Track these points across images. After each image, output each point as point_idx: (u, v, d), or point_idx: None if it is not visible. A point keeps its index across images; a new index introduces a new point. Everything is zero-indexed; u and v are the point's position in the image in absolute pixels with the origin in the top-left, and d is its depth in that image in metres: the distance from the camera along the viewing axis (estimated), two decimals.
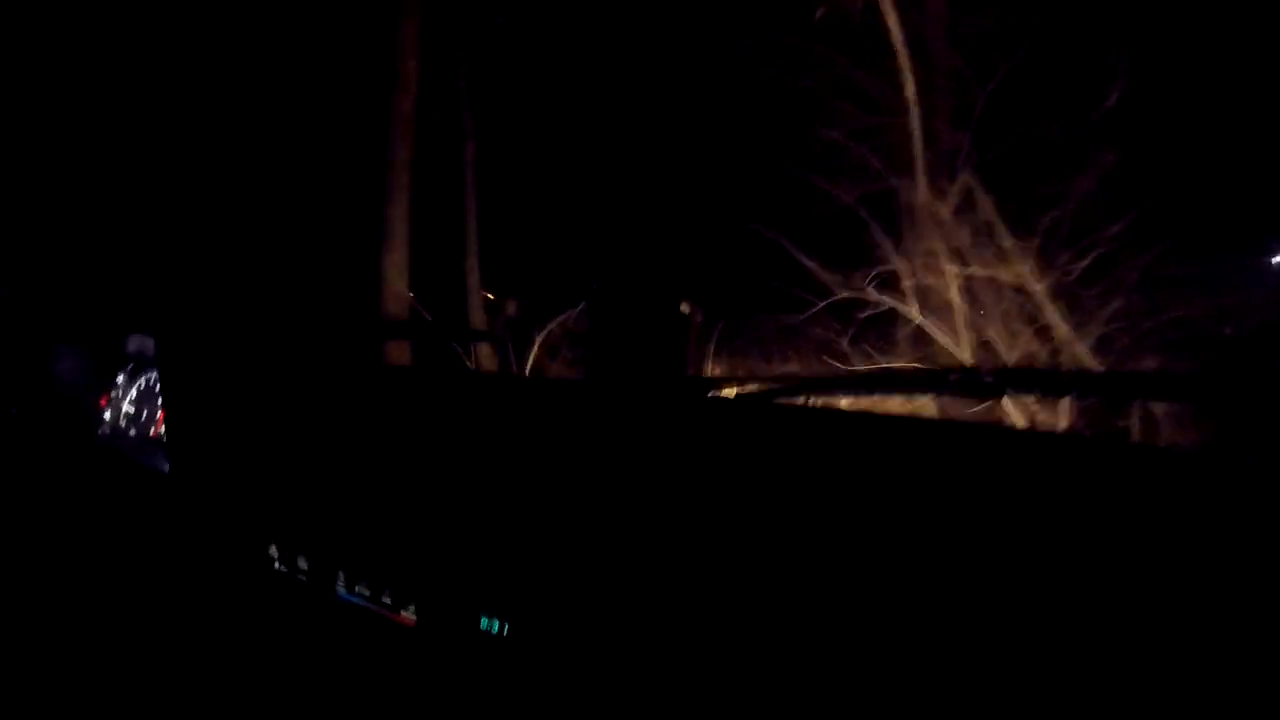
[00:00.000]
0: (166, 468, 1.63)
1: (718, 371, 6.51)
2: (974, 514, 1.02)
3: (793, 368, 5.96)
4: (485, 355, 6.27)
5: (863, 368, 5.28)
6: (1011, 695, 0.93)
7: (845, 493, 1.10)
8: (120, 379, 2.13)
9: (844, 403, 3.40)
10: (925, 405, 4.38)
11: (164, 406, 1.72)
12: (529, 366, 6.08)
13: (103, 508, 1.81)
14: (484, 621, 1.26)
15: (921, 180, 4.87)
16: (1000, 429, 3.01)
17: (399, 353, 5.37)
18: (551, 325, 6.25)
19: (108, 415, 2.14)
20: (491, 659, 1.25)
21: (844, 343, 5.41)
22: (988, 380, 1.42)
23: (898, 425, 1.43)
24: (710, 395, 1.62)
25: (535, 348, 6.22)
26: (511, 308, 6.69)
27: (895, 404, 3.74)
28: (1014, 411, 4.39)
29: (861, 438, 1.25)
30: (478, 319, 6.70)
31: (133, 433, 2.11)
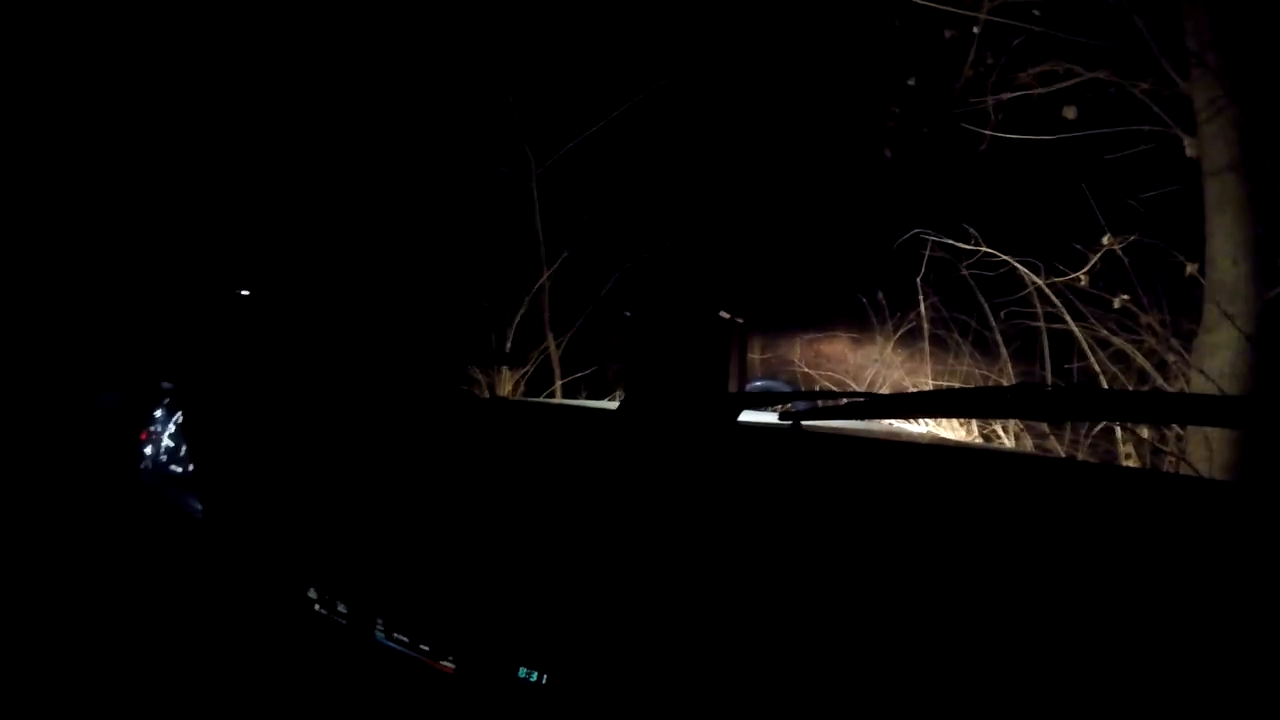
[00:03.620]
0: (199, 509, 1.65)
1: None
2: (1005, 546, 0.98)
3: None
4: (507, 380, 6.01)
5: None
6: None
7: (871, 523, 1.06)
8: (159, 414, 2.16)
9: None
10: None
11: (189, 449, 1.73)
12: (557, 389, 5.93)
13: (142, 550, 1.84)
14: (522, 671, 1.25)
15: None
16: (1037, 458, 2.89)
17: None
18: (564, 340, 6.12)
19: (148, 450, 2.17)
20: (530, 709, 1.24)
21: None
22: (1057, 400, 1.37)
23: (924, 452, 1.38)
24: (740, 419, 1.58)
25: (557, 368, 6.07)
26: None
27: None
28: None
29: (888, 464, 1.20)
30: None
31: (175, 468, 2.14)
